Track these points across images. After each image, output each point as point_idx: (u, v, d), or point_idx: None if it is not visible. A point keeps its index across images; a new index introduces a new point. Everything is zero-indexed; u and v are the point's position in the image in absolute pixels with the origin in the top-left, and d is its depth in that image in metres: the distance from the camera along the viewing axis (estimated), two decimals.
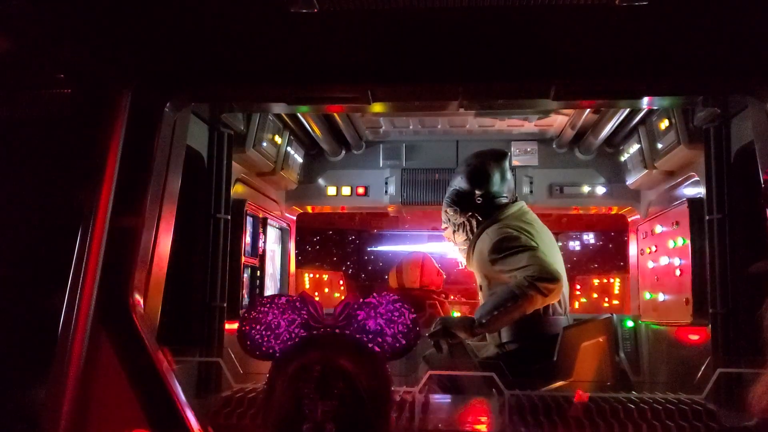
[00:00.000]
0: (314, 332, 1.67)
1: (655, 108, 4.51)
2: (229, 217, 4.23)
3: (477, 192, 4.43)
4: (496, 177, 4.50)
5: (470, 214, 4.42)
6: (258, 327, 1.68)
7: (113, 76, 3.07)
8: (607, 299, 7.57)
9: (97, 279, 2.83)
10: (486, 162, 4.52)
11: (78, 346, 2.78)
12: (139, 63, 3.10)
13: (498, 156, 4.67)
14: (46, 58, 3.15)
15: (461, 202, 4.45)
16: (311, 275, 8.49)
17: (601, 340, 4.36)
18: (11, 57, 3.55)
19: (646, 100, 3.60)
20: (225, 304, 4.12)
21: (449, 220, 4.55)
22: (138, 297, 2.93)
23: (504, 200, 4.47)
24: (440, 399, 3.76)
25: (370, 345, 1.66)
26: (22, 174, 3.45)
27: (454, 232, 4.53)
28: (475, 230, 4.41)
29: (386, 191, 6.13)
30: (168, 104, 3.11)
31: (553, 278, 3.89)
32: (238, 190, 4.75)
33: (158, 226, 3.08)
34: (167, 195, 3.14)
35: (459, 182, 4.52)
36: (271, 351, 1.67)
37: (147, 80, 3.07)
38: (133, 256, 2.94)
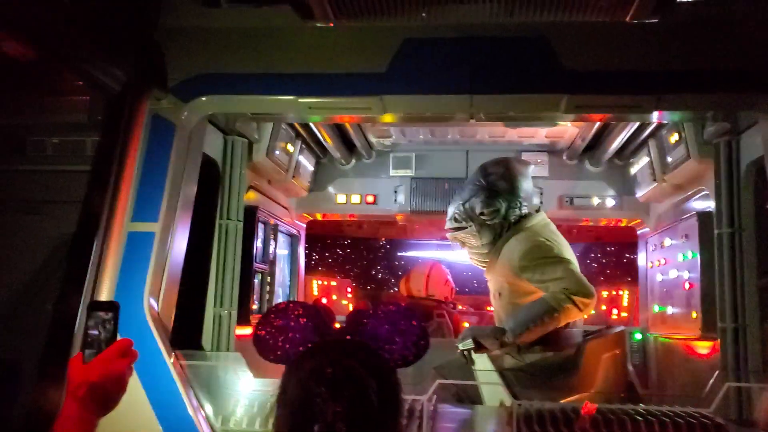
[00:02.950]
0: (326, 338, 1.71)
1: (665, 122, 4.53)
2: (242, 223, 4.27)
3: (507, 197, 4.38)
4: (525, 184, 4.50)
5: (498, 218, 4.37)
6: (273, 331, 1.71)
7: (132, 84, 3.13)
8: (616, 311, 7.57)
9: (113, 282, 2.88)
10: (516, 168, 4.52)
11: None
12: (157, 72, 3.15)
13: (525, 163, 4.70)
14: (66, 66, 3.21)
15: (491, 205, 4.36)
16: (320, 282, 8.53)
17: (617, 352, 4.36)
18: (33, 64, 3.63)
19: (656, 114, 3.62)
20: (236, 310, 4.15)
21: (470, 220, 4.44)
22: (153, 301, 2.98)
23: (526, 209, 4.47)
24: (449, 408, 3.78)
25: (379, 352, 1.69)
26: (43, 179, 3.51)
27: (473, 234, 4.46)
28: (501, 235, 4.37)
29: (395, 200, 6.17)
30: (185, 113, 3.16)
31: (590, 293, 3.87)
32: (250, 196, 4.79)
33: (174, 231, 3.13)
34: (183, 201, 3.18)
35: (487, 185, 4.42)
36: (285, 355, 1.69)
37: (165, 89, 3.12)
38: (149, 260, 2.99)
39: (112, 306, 1.65)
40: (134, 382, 2.85)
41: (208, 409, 3.18)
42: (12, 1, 2.47)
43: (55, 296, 3.33)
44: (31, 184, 3.62)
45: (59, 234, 3.48)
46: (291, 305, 1.74)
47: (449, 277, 7.69)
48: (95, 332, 1.61)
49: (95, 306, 1.63)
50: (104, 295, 2.89)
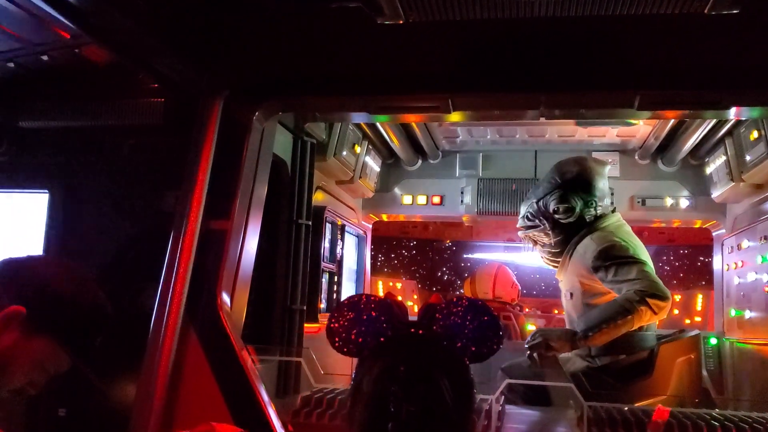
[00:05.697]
0: (399, 332, 1.71)
1: (744, 119, 4.38)
2: (310, 223, 4.33)
3: (583, 196, 4.34)
4: (601, 183, 4.44)
5: (572, 216, 4.33)
6: (346, 324, 1.72)
7: (205, 86, 3.21)
8: (689, 315, 7.36)
9: (187, 278, 2.95)
10: (593, 167, 4.47)
11: (168, 341, 2.91)
12: (230, 74, 3.23)
13: (602, 163, 4.64)
14: (141, 69, 3.32)
15: (566, 203, 4.34)
16: (385, 283, 8.57)
17: (692, 356, 4.26)
18: (110, 68, 3.76)
19: (734, 110, 3.48)
20: (304, 307, 4.21)
21: (543, 219, 4.42)
22: (225, 297, 3.05)
23: (600, 209, 4.40)
24: (517, 409, 3.75)
25: (452, 347, 1.69)
26: (121, 179, 3.65)
27: (546, 233, 4.43)
28: (575, 234, 4.33)
29: (462, 201, 6.13)
30: (257, 114, 3.23)
31: (665, 296, 3.79)
32: (318, 197, 4.86)
33: (245, 229, 3.19)
34: (254, 200, 3.25)
35: (562, 183, 4.40)
36: (357, 348, 1.70)
37: (237, 91, 3.19)
38: (222, 257, 3.06)
39: None
40: (207, 376, 2.95)
41: (278, 402, 3.24)
42: (89, 5, 2.56)
43: (131, 291, 3.46)
44: (108, 184, 3.75)
45: (136, 231, 3.61)
46: (364, 298, 1.75)
47: (515, 279, 7.65)
48: None
49: None
50: (179, 291, 2.97)
